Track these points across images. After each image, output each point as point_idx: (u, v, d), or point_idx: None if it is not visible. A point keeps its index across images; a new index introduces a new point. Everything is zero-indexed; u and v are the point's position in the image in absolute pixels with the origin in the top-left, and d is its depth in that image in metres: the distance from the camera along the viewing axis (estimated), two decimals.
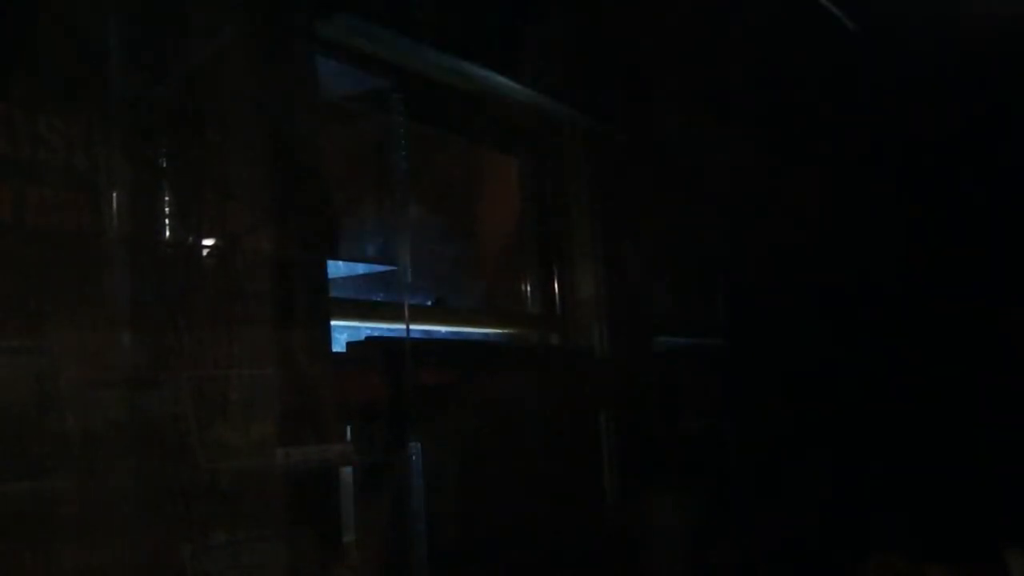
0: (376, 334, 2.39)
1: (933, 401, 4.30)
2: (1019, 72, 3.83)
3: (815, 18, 3.36)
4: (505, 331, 3.02)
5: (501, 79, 2.77)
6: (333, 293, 2.22)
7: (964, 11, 3.47)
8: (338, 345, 2.27)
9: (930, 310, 4.51)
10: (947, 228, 4.52)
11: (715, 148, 3.64)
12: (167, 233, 1.79)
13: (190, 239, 1.82)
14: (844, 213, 4.30)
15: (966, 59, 3.77)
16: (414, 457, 2.27)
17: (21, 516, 1.52)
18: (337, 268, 2.38)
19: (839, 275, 4.31)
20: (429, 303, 2.76)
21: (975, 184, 4.44)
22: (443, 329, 2.78)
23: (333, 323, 2.13)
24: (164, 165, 1.80)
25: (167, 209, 1.79)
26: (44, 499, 1.55)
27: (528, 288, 3.15)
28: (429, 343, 2.57)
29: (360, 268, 2.58)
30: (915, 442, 4.26)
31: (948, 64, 3.79)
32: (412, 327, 2.35)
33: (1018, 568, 3.30)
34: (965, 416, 4.29)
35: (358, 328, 2.42)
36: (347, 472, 2.13)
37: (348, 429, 2.18)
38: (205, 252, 1.85)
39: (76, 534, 1.58)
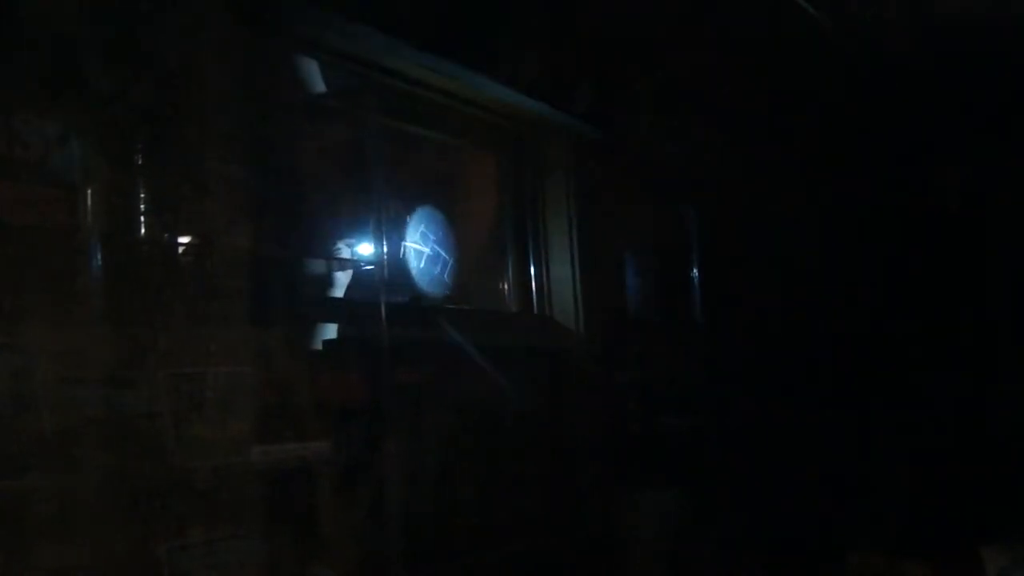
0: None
1: (911, 401, 4.33)
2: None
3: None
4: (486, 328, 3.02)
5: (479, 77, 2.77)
6: None
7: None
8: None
9: (910, 310, 4.54)
10: (931, 231, 4.56)
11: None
12: (143, 231, 1.78)
13: (166, 236, 1.81)
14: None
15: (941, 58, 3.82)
16: (391, 454, 2.27)
17: None
18: None
19: (819, 273, 4.33)
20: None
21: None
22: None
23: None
24: (140, 162, 1.80)
25: (143, 206, 1.79)
26: (20, 497, 1.55)
27: (506, 285, 3.16)
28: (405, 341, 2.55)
29: None
30: (893, 441, 4.28)
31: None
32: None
33: (994, 565, 3.32)
34: (944, 416, 4.32)
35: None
36: (326, 470, 2.13)
37: (326, 427, 2.17)
38: (181, 250, 1.84)
39: (53, 532, 1.58)
